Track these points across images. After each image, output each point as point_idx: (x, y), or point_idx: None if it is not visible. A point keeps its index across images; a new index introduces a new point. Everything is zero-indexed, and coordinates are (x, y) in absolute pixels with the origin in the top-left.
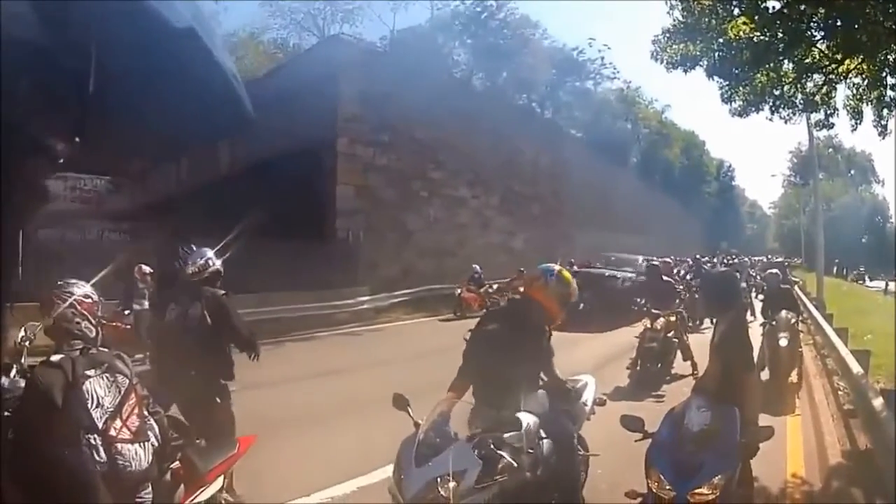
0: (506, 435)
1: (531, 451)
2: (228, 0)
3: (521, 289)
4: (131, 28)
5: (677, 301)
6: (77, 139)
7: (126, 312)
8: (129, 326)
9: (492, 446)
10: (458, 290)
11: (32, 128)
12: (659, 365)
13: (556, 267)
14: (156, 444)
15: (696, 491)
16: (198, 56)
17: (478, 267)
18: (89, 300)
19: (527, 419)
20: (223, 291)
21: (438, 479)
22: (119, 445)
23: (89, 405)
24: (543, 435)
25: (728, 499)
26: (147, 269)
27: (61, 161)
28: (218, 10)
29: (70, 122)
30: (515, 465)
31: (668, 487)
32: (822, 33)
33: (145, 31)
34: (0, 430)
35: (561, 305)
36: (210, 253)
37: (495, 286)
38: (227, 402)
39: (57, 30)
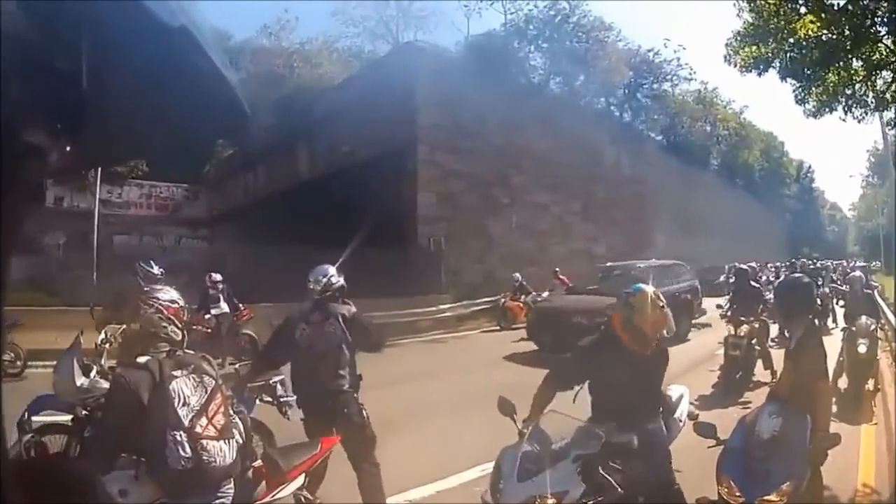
0: (612, 460)
1: (630, 470)
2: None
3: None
4: (123, 26)
5: (761, 308)
6: (68, 139)
7: (206, 316)
8: (209, 330)
9: (598, 469)
10: (502, 300)
11: (22, 128)
12: (739, 374)
13: (643, 287)
14: (240, 441)
15: (765, 498)
16: (191, 55)
17: (518, 275)
18: (175, 305)
19: (632, 439)
20: (353, 307)
21: (538, 498)
22: (204, 442)
23: (176, 403)
24: (641, 450)
25: None
26: (217, 276)
27: (53, 161)
28: (289, 20)
29: (61, 121)
30: (619, 489)
31: (737, 494)
32: (887, 28)
33: (137, 29)
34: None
35: (639, 334)
36: (332, 269)
37: (545, 294)
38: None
39: (47, 27)
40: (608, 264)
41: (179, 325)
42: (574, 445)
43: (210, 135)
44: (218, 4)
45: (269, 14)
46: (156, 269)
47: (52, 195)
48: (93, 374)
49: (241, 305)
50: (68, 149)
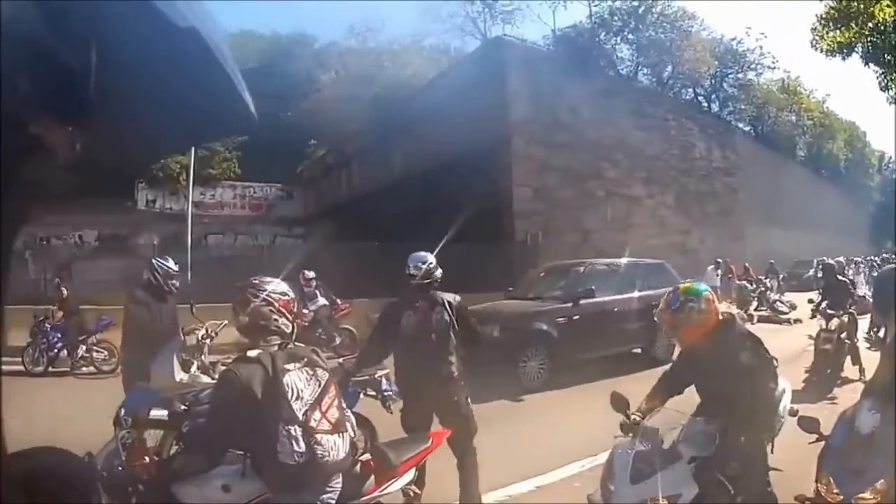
0: (728, 461)
1: (733, 470)
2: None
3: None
4: (132, 26)
5: (850, 302)
6: (77, 138)
7: (304, 311)
8: (306, 324)
9: (713, 470)
10: None
11: (31, 127)
12: (829, 370)
13: (690, 288)
14: (352, 434)
15: (860, 496)
16: (198, 56)
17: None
18: (286, 297)
19: (740, 440)
20: (458, 297)
21: (649, 500)
22: (319, 436)
23: (289, 397)
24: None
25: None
26: (310, 273)
27: (59, 159)
28: (375, 21)
29: (67, 118)
30: (732, 490)
31: (835, 492)
32: None
33: (146, 29)
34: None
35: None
36: (430, 257)
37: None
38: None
39: (56, 24)
40: (556, 263)
41: (290, 318)
42: (689, 446)
43: (215, 135)
44: (306, 7)
45: (356, 16)
46: (172, 265)
47: (145, 197)
48: (193, 369)
49: (338, 301)
50: (75, 147)
